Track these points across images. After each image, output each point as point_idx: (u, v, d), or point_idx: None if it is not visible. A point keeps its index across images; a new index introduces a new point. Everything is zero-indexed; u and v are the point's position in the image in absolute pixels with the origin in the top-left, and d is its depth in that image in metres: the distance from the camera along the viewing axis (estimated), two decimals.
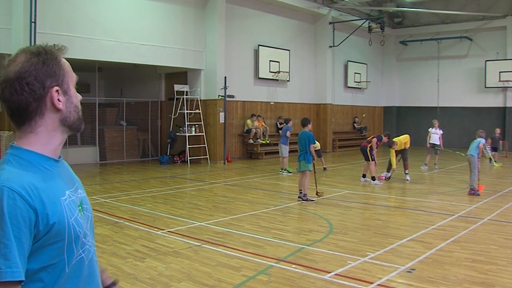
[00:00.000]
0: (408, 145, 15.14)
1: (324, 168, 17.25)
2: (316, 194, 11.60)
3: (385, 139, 14.79)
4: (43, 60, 1.67)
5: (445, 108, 28.75)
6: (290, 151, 16.88)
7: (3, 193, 1.51)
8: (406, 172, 14.92)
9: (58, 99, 1.69)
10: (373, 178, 14.16)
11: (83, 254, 1.70)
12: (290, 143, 16.55)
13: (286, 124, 16.67)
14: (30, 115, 1.68)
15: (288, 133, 16.27)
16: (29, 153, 1.67)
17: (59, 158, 1.77)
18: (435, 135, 17.99)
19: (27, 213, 1.52)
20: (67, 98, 1.73)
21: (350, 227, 8.70)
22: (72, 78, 1.76)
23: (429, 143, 18.10)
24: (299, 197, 11.25)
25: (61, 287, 1.63)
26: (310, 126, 11.55)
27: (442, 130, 18.34)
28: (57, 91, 1.69)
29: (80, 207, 1.73)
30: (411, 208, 10.59)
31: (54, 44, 1.76)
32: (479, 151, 12.32)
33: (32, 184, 1.57)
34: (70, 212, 1.65)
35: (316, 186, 11.90)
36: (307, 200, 11.00)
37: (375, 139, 14.61)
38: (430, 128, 18.24)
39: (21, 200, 1.52)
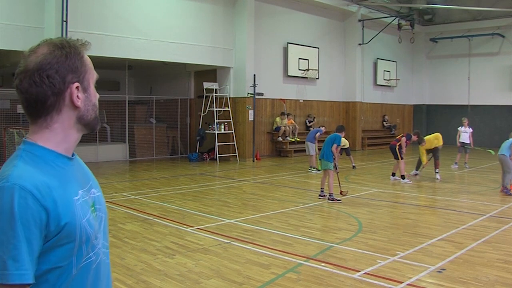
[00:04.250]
0: (440, 143, 14.85)
1: (353, 166, 17.11)
2: (341, 193, 11.45)
3: (414, 137, 14.53)
4: (66, 53, 1.61)
5: (476, 106, 28.23)
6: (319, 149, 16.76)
7: (14, 192, 1.43)
8: (437, 171, 14.68)
9: (78, 96, 1.62)
10: (403, 177, 13.97)
11: (93, 257, 1.62)
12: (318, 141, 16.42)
13: (320, 127, 16.87)
14: (47, 110, 1.60)
15: (317, 135, 16.13)
16: (43, 149, 1.60)
17: (73, 156, 1.70)
18: (465, 134, 17.67)
19: (38, 213, 1.45)
20: (86, 96, 1.66)
21: (379, 226, 8.61)
22: (92, 75, 1.69)
23: (459, 142, 17.78)
24: (319, 195, 11.24)
25: None
26: (343, 134, 11.52)
27: (472, 129, 18.01)
28: (77, 87, 1.62)
29: (92, 207, 1.66)
30: (441, 208, 10.42)
31: (78, 39, 1.69)
32: (511, 152, 12.05)
33: (45, 183, 1.50)
34: (83, 213, 1.58)
35: (339, 185, 11.76)
36: (333, 199, 10.87)
37: (404, 138, 14.41)
38: (460, 127, 17.93)
39: (32, 200, 1.45)
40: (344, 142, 14.96)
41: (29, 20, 14.16)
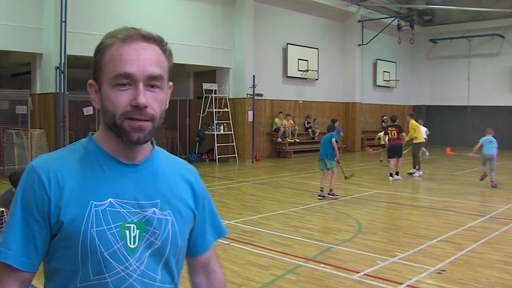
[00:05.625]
0: (418, 138, 15.34)
1: (381, 161, 18.51)
2: (345, 178, 12.38)
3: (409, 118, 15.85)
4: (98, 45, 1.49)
5: (476, 107, 28.22)
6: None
7: (26, 173, 1.42)
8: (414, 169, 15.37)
9: (92, 96, 1.50)
10: (397, 173, 14.52)
11: (108, 279, 1.40)
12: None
13: (333, 124, 17.12)
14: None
15: (341, 133, 18.00)
16: (94, 145, 1.49)
17: (140, 163, 1.50)
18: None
19: (40, 198, 1.38)
20: (100, 97, 1.47)
21: (379, 227, 8.61)
22: (107, 73, 1.43)
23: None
24: (319, 195, 11.30)
25: None
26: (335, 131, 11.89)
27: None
28: (90, 85, 1.50)
29: (133, 224, 1.43)
30: (441, 209, 10.42)
31: (126, 28, 1.49)
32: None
33: (61, 172, 1.41)
34: (97, 221, 1.39)
35: (342, 171, 12.41)
36: (333, 195, 11.24)
37: (403, 134, 14.72)
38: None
39: (38, 184, 1.39)
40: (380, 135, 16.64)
41: (28, 20, 14.13)
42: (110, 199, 1.42)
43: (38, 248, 1.40)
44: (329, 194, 11.31)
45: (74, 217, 1.38)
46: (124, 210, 1.43)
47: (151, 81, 1.43)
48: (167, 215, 1.50)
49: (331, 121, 13.19)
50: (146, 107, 1.40)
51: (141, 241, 1.44)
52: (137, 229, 1.44)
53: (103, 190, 1.43)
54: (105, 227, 1.39)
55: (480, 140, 13.27)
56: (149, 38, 1.47)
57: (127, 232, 1.42)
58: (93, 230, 1.38)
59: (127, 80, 1.40)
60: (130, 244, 1.42)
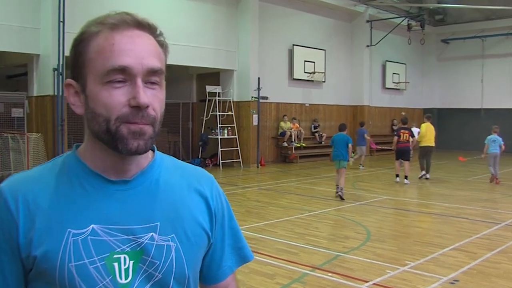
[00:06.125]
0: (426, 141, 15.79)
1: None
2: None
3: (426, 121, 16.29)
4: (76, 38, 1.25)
5: (490, 110, 28.14)
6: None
7: None
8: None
9: (70, 98, 1.26)
10: (406, 177, 14.87)
11: None
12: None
13: (361, 127, 19.62)
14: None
15: (366, 135, 19.30)
16: (77, 162, 1.27)
17: (131, 178, 1.27)
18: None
19: (8, 226, 1.18)
20: (85, 99, 1.22)
21: (388, 235, 8.59)
22: (96, 69, 1.19)
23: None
24: (337, 192, 12.13)
25: None
26: (346, 131, 12.72)
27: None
28: (68, 85, 1.25)
29: (126, 254, 1.21)
30: (453, 216, 10.39)
31: (114, 13, 1.27)
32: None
33: (32, 195, 1.20)
34: (76, 254, 1.17)
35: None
36: (342, 193, 12.09)
37: (414, 138, 15.44)
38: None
39: (5, 210, 1.19)
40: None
41: (24, 20, 14.14)
42: (92, 225, 1.19)
43: (8, 284, 1.21)
44: (341, 191, 12.08)
45: (47, 250, 1.17)
46: (111, 238, 1.20)
47: (151, 76, 1.21)
48: (170, 241, 1.26)
49: (339, 128, 13.26)
50: (147, 107, 1.19)
51: (136, 275, 1.22)
52: (130, 259, 1.21)
53: (84, 215, 1.20)
54: (86, 261, 1.17)
55: (486, 141, 14.73)
56: (144, 25, 1.28)
57: (116, 264, 1.20)
58: (71, 265, 1.17)
59: (122, 76, 1.17)
60: (121, 279, 1.20)
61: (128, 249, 1.21)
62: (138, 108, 1.17)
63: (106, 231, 1.20)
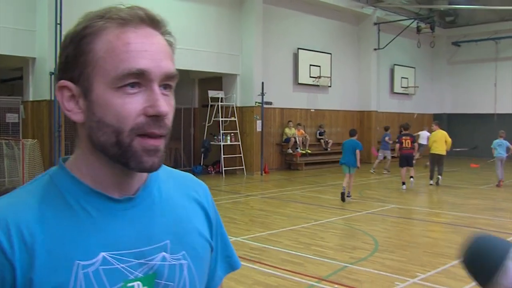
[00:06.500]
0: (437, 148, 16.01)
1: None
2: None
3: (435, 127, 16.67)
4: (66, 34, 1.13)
5: (503, 115, 28.04)
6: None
7: None
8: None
9: (64, 104, 1.12)
10: (411, 177, 15.30)
11: None
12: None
13: (386, 131, 20.31)
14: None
15: (387, 138, 19.77)
16: (68, 179, 1.12)
17: (134, 195, 1.16)
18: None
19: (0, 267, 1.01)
20: (88, 105, 1.08)
21: (397, 245, 8.56)
22: (104, 71, 1.06)
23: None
24: (347, 196, 12.70)
25: None
26: (356, 136, 13.19)
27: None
28: (62, 87, 1.11)
29: (140, 282, 1.10)
30: (465, 225, 10.35)
31: (115, 7, 1.12)
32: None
33: (27, 225, 1.04)
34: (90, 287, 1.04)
35: None
36: (350, 197, 12.80)
37: (416, 144, 15.99)
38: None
39: None
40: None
41: (19, 22, 14.10)
42: (102, 253, 1.07)
43: None
44: (347, 196, 12.67)
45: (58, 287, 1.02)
46: (123, 265, 1.09)
47: (167, 81, 1.11)
48: (181, 259, 1.18)
49: (349, 133, 13.53)
50: (165, 116, 1.10)
51: None
52: (143, 286, 1.11)
53: (92, 242, 1.07)
54: None
55: (492, 145, 15.81)
56: (157, 23, 1.16)
57: None
58: None
59: (137, 80, 1.06)
60: None
61: (140, 274, 1.11)
62: (156, 118, 1.08)
63: (118, 258, 1.09)
